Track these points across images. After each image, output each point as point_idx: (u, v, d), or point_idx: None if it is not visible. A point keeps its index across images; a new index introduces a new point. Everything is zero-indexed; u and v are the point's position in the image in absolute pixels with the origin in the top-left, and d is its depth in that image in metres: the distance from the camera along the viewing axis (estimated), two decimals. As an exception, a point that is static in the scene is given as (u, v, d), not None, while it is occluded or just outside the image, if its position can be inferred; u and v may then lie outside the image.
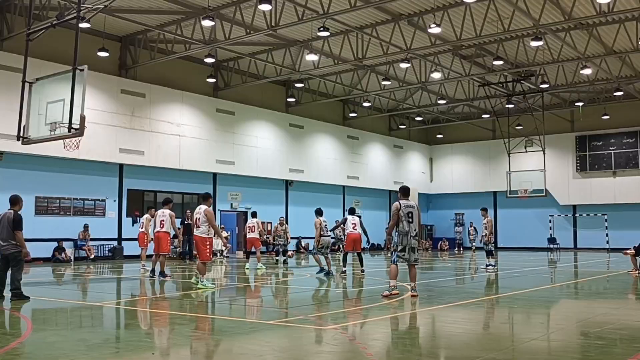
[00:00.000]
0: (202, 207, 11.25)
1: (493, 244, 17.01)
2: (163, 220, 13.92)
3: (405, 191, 10.07)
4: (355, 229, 14.91)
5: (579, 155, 32.93)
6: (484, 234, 16.91)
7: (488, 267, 16.68)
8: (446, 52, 23.94)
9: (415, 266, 9.90)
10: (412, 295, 9.69)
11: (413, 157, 36.90)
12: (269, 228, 28.22)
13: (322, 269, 14.41)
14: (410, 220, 9.69)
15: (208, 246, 11.17)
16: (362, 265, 14.94)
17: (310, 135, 29.97)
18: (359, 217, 15.27)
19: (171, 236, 14.17)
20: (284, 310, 9.21)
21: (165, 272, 13.81)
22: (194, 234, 11.34)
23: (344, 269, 15.04)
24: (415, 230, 9.75)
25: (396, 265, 9.80)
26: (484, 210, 17.34)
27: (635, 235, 24.74)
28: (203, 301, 10.21)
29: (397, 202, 9.86)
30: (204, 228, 11.10)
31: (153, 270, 13.89)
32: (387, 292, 9.77)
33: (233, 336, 6.85)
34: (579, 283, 13.59)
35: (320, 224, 14.64)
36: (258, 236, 18.08)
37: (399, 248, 9.74)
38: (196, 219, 11.26)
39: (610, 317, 8.08)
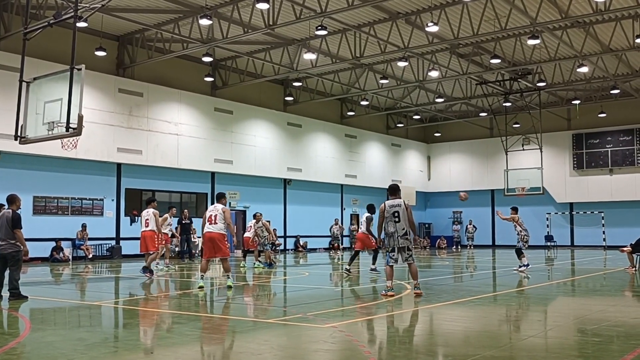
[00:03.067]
0: (219, 206, 11.08)
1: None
2: (148, 220, 13.91)
3: (392, 190, 9.96)
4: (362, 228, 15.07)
5: (575, 153, 33.01)
6: (518, 232, 15.37)
7: (524, 268, 15.15)
8: (444, 51, 23.96)
9: (413, 264, 9.80)
10: (415, 294, 9.60)
11: (411, 155, 36.93)
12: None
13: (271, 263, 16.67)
14: (397, 219, 9.60)
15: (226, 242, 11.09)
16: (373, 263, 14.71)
17: (308, 134, 29.99)
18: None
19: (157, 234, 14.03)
20: (283, 308, 9.23)
21: (151, 268, 13.65)
22: (212, 230, 10.91)
23: (348, 267, 14.64)
24: (403, 229, 9.63)
25: (390, 266, 9.77)
26: (515, 209, 15.84)
27: (632, 232, 24.79)
28: (202, 300, 10.23)
29: (383, 203, 9.84)
30: (222, 225, 10.92)
31: (146, 268, 13.77)
32: (383, 292, 9.78)
33: (232, 335, 6.87)
34: (576, 280, 13.63)
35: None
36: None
37: (389, 249, 9.72)
38: (212, 215, 10.95)
39: (607, 314, 8.12)
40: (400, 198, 9.99)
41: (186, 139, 24.13)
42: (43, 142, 11.57)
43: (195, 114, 24.68)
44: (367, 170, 33.43)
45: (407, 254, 9.75)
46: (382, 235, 9.89)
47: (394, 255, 9.67)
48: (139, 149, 22.47)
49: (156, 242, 13.99)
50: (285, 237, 29.59)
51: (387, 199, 9.96)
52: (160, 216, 14.88)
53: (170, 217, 16.79)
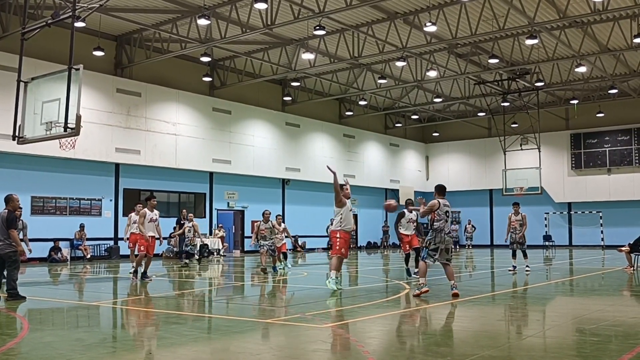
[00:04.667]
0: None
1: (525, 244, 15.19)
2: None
3: (443, 190, 9.86)
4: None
5: (573, 152, 33.06)
6: (518, 232, 14.91)
7: (515, 269, 14.78)
8: (442, 51, 23.98)
9: (449, 264, 9.70)
10: (453, 294, 9.41)
11: (409, 155, 36.96)
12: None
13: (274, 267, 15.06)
14: (447, 219, 9.63)
15: (338, 239, 10.48)
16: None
17: (307, 134, 29.99)
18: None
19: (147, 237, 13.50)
20: (281, 308, 9.23)
21: (145, 271, 13.27)
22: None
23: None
24: (449, 229, 9.65)
25: (425, 262, 9.60)
26: (517, 205, 15.45)
27: (630, 232, 24.84)
28: (201, 300, 10.23)
29: (435, 200, 9.67)
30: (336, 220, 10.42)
31: (144, 273, 13.44)
32: (417, 292, 9.51)
33: (230, 335, 6.87)
34: (574, 280, 13.65)
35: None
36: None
37: (432, 246, 9.50)
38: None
39: (605, 314, 8.13)
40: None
41: (184, 139, 24.11)
42: (41, 142, 11.56)
43: (193, 114, 24.66)
44: (366, 170, 33.44)
45: (449, 255, 9.76)
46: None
47: (435, 255, 9.53)
48: (137, 149, 22.45)
49: (138, 245, 13.37)
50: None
51: (436, 199, 9.75)
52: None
53: (136, 215, 14.32)
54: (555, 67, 25.98)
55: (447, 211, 9.67)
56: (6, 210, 9.68)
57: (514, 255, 15.15)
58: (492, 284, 13.21)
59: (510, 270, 14.88)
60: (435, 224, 9.57)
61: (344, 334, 6.69)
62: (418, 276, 9.95)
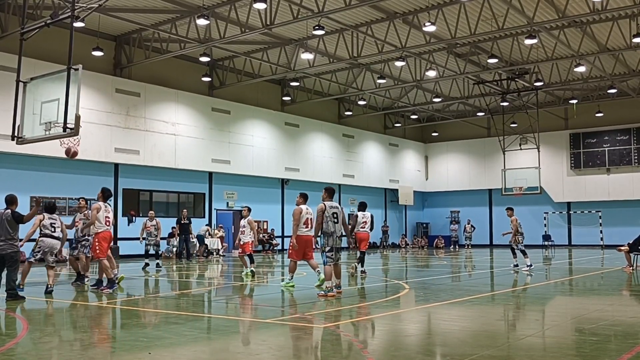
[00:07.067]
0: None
1: (522, 244, 15.65)
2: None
3: (331, 192, 10.19)
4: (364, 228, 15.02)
5: (573, 152, 33.07)
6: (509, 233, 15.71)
7: (516, 267, 15.38)
8: (441, 51, 23.99)
9: (338, 264, 9.97)
10: (338, 292, 9.76)
11: (408, 155, 36.96)
12: (265, 227, 28.26)
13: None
14: (336, 221, 9.86)
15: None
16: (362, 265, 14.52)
17: (306, 134, 29.99)
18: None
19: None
20: (280, 308, 9.23)
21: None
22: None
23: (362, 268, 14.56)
24: (340, 231, 9.92)
25: (330, 266, 9.82)
26: (510, 209, 16.10)
27: (629, 231, 24.85)
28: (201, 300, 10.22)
29: (322, 204, 9.93)
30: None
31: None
32: (322, 293, 9.70)
33: (229, 335, 6.87)
34: (574, 280, 13.66)
35: None
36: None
37: (327, 249, 9.79)
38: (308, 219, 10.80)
39: (605, 314, 8.14)
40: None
41: (183, 139, 24.10)
42: (40, 142, 11.55)
43: (192, 114, 24.65)
44: (365, 170, 33.44)
45: (340, 254, 10.04)
46: (321, 237, 9.93)
47: (332, 255, 9.80)
48: (136, 149, 22.44)
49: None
50: (282, 237, 29.59)
51: (324, 201, 10.01)
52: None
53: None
54: (555, 67, 25.99)
55: (334, 213, 9.88)
56: (9, 210, 9.72)
57: (514, 254, 15.28)
58: (492, 284, 13.22)
59: (512, 270, 14.93)
60: (324, 226, 9.77)
61: (344, 334, 6.69)
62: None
